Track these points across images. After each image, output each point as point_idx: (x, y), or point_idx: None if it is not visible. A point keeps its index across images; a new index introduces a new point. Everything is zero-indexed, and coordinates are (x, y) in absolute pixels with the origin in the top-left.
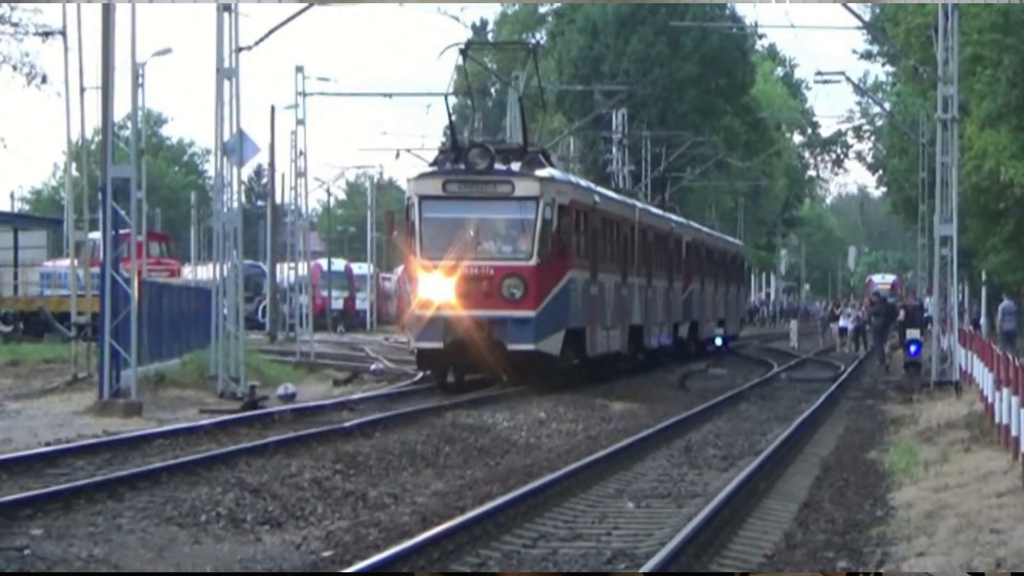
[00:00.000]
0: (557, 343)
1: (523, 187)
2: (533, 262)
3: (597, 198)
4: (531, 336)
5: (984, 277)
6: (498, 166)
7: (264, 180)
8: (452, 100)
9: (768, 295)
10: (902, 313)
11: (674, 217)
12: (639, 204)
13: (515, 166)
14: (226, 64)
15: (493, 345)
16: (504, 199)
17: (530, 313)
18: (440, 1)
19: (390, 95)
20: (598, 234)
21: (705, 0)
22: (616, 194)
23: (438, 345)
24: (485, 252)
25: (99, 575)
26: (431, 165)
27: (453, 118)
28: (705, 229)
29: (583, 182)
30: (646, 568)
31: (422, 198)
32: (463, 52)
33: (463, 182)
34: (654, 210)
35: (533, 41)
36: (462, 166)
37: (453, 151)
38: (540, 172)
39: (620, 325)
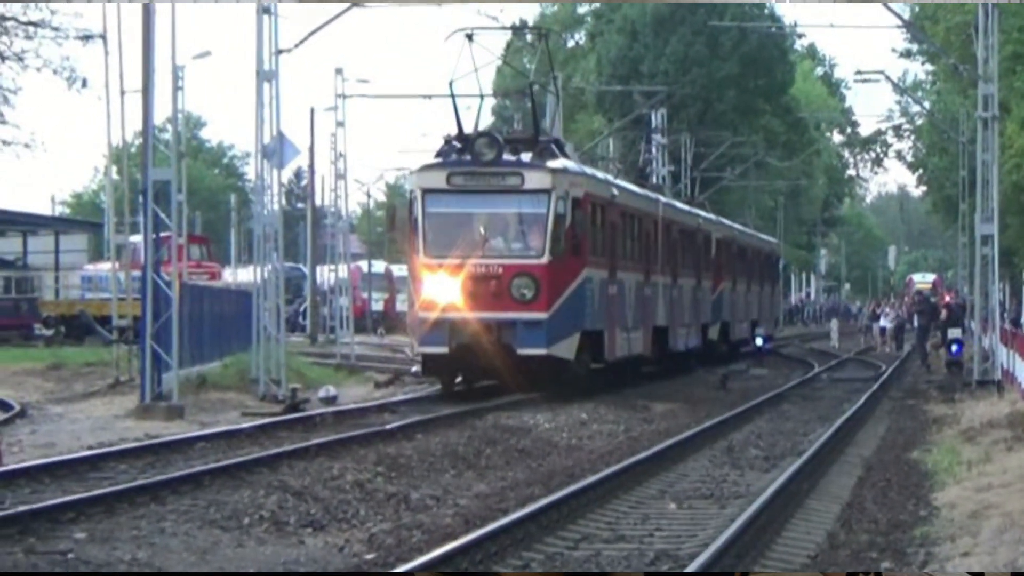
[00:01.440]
0: (571, 347)
1: (534, 179)
2: (545, 260)
3: (615, 191)
4: (543, 340)
5: None
6: (507, 157)
7: (304, 182)
8: (487, 101)
9: (808, 295)
10: (944, 312)
11: (702, 213)
12: (663, 198)
13: (525, 157)
14: (266, 66)
15: (502, 349)
16: (513, 192)
17: (542, 315)
18: (479, 1)
19: (430, 96)
20: (617, 229)
21: (744, 0)
22: (638, 187)
23: (443, 350)
24: (493, 250)
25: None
26: (436, 156)
27: (458, 108)
28: (737, 226)
29: (599, 174)
30: (690, 569)
31: (425, 192)
32: (469, 37)
33: (469, 174)
34: (680, 205)
35: (545, 29)
36: (468, 157)
37: (459, 141)
38: (552, 163)
39: (642, 327)
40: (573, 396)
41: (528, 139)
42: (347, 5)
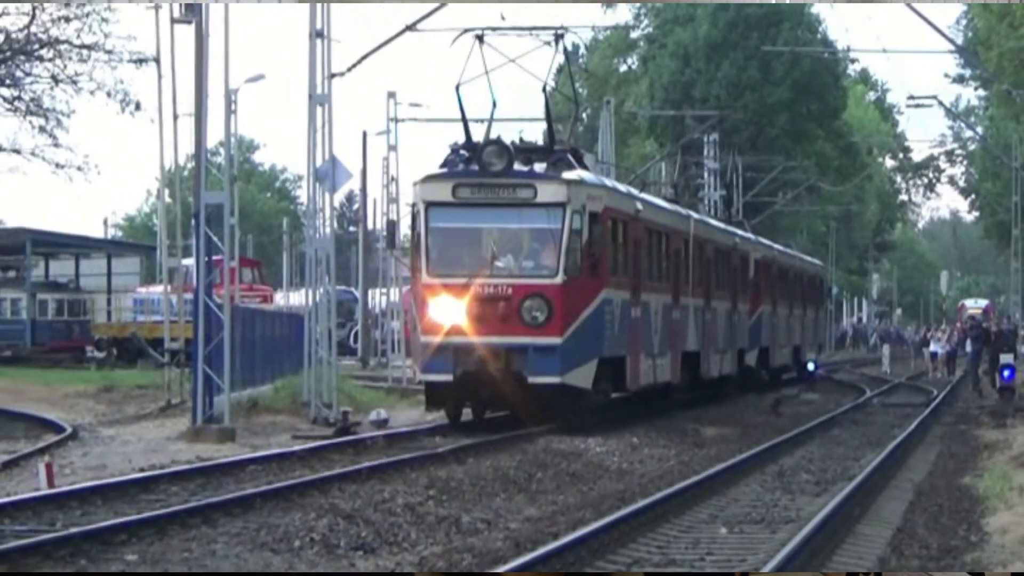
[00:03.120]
0: (588, 375)
1: (547, 192)
2: (559, 280)
3: (640, 205)
4: (556, 367)
5: None
6: (518, 167)
7: (356, 206)
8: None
9: (860, 319)
10: (992, 339)
11: (740, 232)
12: (695, 215)
13: (539, 167)
14: (319, 90)
15: (512, 377)
16: (525, 206)
17: (555, 340)
18: (539, 30)
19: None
20: (641, 247)
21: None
22: (667, 203)
23: (447, 377)
24: (502, 268)
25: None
26: (441, 166)
27: (466, 114)
28: (778, 246)
29: (622, 187)
30: None
31: (429, 205)
32: (479, 38)
33: (476, 186)
34: (714, 223)
35: (560, 27)
36: (475, 167)
37: (466, 150)
38: (568, 174)
39: (671, 352)
40: (623, 422)
41: (542, 148)
42: (400, 28)
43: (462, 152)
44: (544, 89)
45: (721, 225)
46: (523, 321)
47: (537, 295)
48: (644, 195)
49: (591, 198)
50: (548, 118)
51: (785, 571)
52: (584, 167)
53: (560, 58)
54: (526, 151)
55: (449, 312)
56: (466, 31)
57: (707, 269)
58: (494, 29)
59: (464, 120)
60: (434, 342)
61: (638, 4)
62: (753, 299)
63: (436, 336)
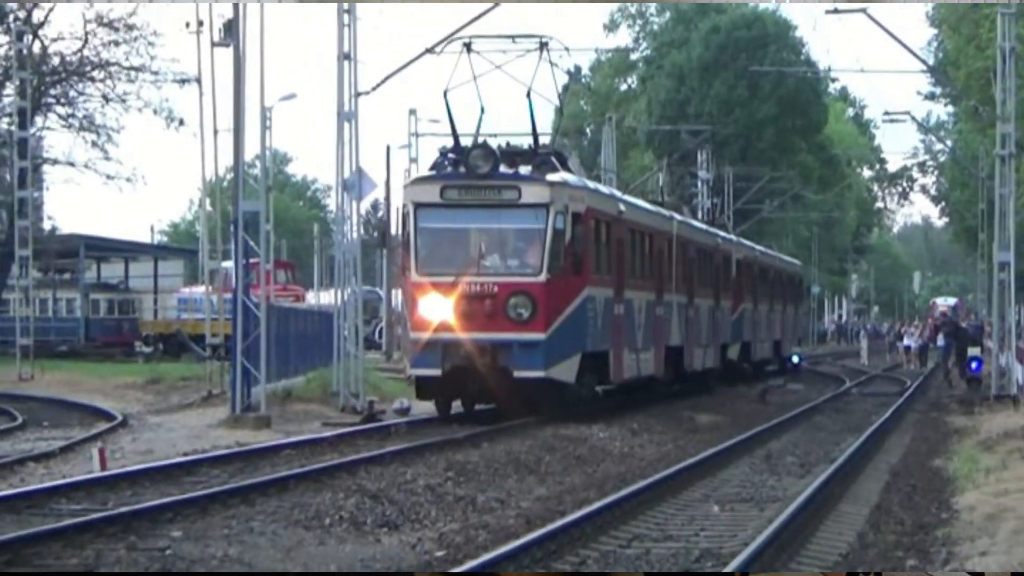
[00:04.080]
0: (571, 369)
1: (531, 193)
2: (543, 278)
3: (622, 207)
4: (540, 362)
5: None
6: (503, 170)
7: (380, 213)
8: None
9: (840, 316)
10: (961, 334)
11: (722, 233)
12: (678, 216)
13: (524, 170)
14: (346, 108)
15: (498, 372)
16: (510, 207)
17: (539, 336)
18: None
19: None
20: (625, 246)
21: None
22: (649, 203)
23: (436, 372)
24: (488, 267)
25: (232, 575)
26: (430, 169)
27: (454, 118)
28: (759, 247)
29: (604, 188)
30: (731, 567)
31: (417, 206)
32: (467, 46)
33: (463, 188)
34: (697, 224)
35: (544, 36)
36: (463, 170)
37: (454, 153)
38: (551, 176)
39: (654, 347)
40: (624, 410)
41: (527, 151)
42: (421, 51)
43: (450, 155)
44: (528, 95)
45: (704, 227)
46: (508, 318)
47: (522, 293)
48: (627, 197)
49: (573, 199)
50: (532, 123)
51: (771, 546)
52: (568, 170)
53: (544, 65)
54: (511, 154)
55: (437, 309)
56: (455, 38)
57: (690, 268)
58: (482, 37)
59: (452, 125)
60: (423, 338)
61: (638, 29)
62: (735, 296)
63: (425, 332)
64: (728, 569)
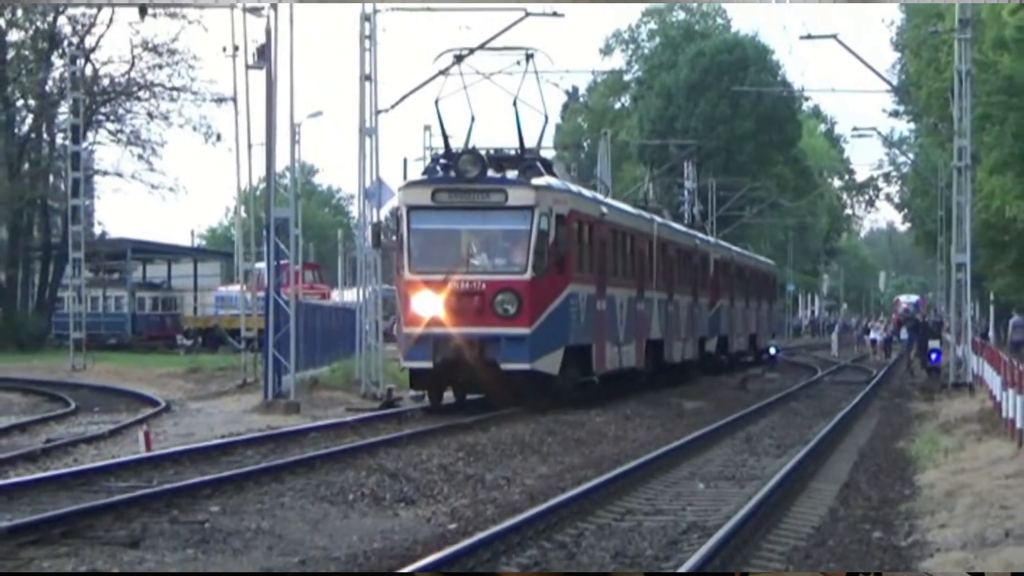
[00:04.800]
0: (555, 362)
1: (517, 196)
2: (528, 276)
3: (605, 209)
4: (526, 355)
5: (992, 297)
6: (491, 174)
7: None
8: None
9: (813, 312)
10: (922, 328)
11: (700, 235)
12: (658, 219)
13: (510, 174)
14: (367, 124)
15: (486, 364)
16: (497, 209)
17: (524, 330)
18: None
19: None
20: (607, 247)
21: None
22: (631, 207)
23: (427, 365)
24: (477, 266)
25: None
26: (423, 174)
27: (445, 127)
28: (735, 248)
29: (587, 192)
30: (719, 535)
31: (410, 208)
32: (458, 58)
33: (453, 191)
34: (676, 226)
35: (529, 49)
36: (453, 174)
37: (445, 158)
38: (536, 180)
39: (635, 340)
40: (620, 396)
41: (513, 157)
42: (434, 74)
43: (441, 161)
44: (515, 103)
45: (683, 229)
46: (496, 313)
47: (508, 290)
48: (609, 200)
49: (557, 202)
50: (519, 130)
51: (751, 520)
52: (553, 174)
53: (531, 76)
54: (499, 160)
55: (429, 305)
56: (447, 52)
57: (670, 267)
58: (472, 50)
59: (443, 132)
60: (415, 332)
61: (630, 53)
62: (712, 293)
63: (417, 327)
64: (713, 541)
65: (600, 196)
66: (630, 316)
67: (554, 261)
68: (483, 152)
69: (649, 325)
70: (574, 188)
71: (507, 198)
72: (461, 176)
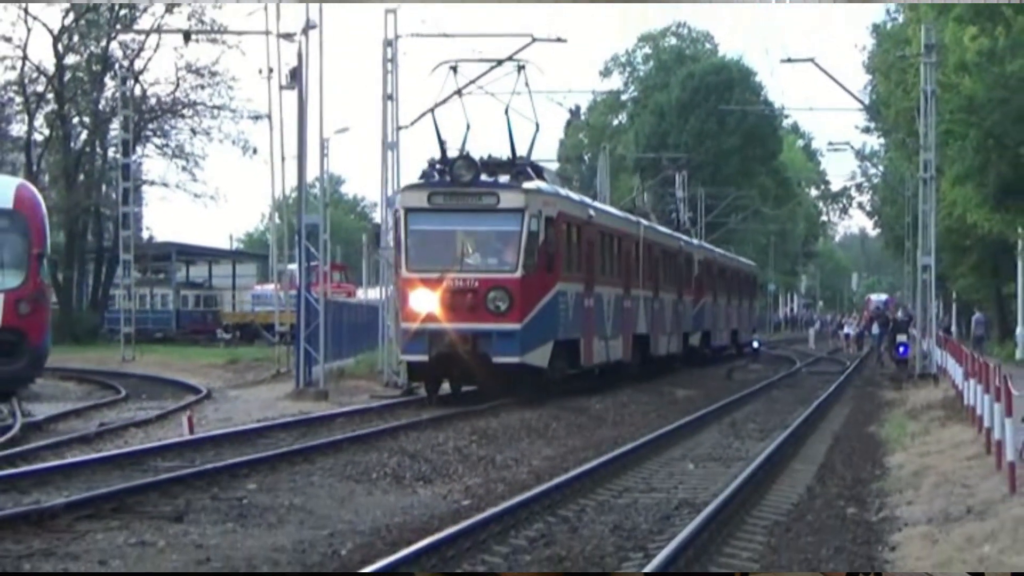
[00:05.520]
0: (545, 355)
1: (508, 199)
2: (518, 274)
3: (592, 212)
4: (516, 349)
5: (954, 296)
6: (484, 178)
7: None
8: (556, 165)
9: (792, 309)
10: (891, 324)
11: (685, 237)
12: (644, 222)
13: (502, 178)
14: (389, 139)
15: (479, 358)
16: (489, 211)
17: (515, 326)
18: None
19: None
20: (594, 247)
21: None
22: (618, 211)
23: (424, 358)
24: (470, 265)
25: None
26: (420, 178)
27: (441, 134)
28: (718, 250)
29: (576, 196)
30: (708, 511)
31: (408, 210)
32: (453, 69)
33: (448, 194)
34: (661, 229)
35: (521, 60)
36: (448, 179)
37: (441, 164)
38: (526, 184)
39: (622, 335)
40: (618, 384)
41: (505, 162)
42: (449, 94)
43: (438, 166)
44: (506, 111)
45: (668, 232)
46: (488, 310)
47: (500, 287)
48: (597, 203)
49: (546, 204)
50: (511, 137)
51: (737, 497)
52: (543, 179)
53: (521, 85)
54: (491, 165)
55: (425, 302)
56: (443, 63)
57: (656, 267)
58: (467, 61)
59: (439, 138)
60: (412, 327)
61: (627, 75)
62: (696, 292)
63: (414, 322)
64: (702, 516)
65: (588, 200)
66: (617, 312)
67: (543, 260)
68: (477, 158)
69: (635, 321)
70: (562, 192)
71: (499, 201)
72: (456, 180)
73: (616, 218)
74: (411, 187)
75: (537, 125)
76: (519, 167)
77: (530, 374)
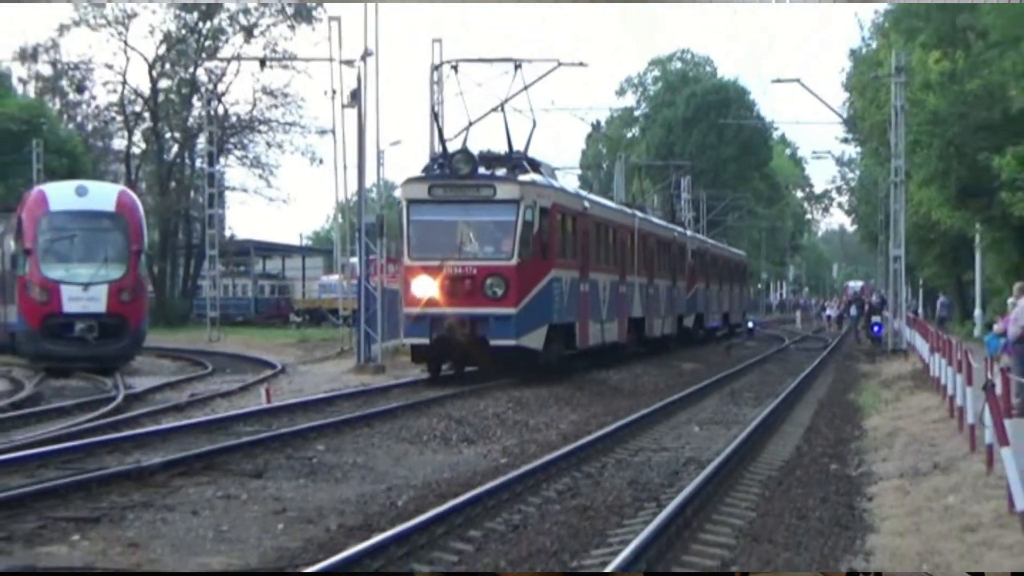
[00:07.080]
0: (539, 338)
1: (504, 190)
2: (514, 262)
3: (587, 204)
4: (512, 332)
5: (921, 283)
6: (482, 171)
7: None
8: (576, 172)
9: (781, 295)
10: (867, 307)
11: (678, 228)
12: (639, 214)
13: (499, 171)
14: (436, 149)
15: (477, 341)
16: (486, 202)
17: (511, 310)
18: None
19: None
20: (590, 237)
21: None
22: (613, 203)
23: (425, 341)
24: (468, 252)
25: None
26: (422, 171)
27: (443, 130)
28: (710, 240)
29: (570, 188)
30: (711, 467)
31: (410, 202)
32: (455, 68)
33: (448, 186)
34: (656, 220)
35: (518, 59)
36: (447, 171)
37: (442, 157)
38: (522, 177)
39: (618, 318)
40: (632, 358)
41: (502, 156)
42: (495, 106)
43: (439, 160)
44: (502, 109)
45: (663, 223)
46: (485, 295)
47: (496, 274)
48: (592, 196)
49: (541, 196)
50: (507, 131)
51: (736, 455)
52: (539, 172)
53: (518, 84)
54: (489, 158)
55: (426, 288)
56: (445, 63)
57: (650, 255)
58: (466, 61)
59: (440, 134)
60: (414, 312)
61: (639, 94)
62: (690, 278)
63: (416, 307)
64: (707, 471)
65: (584, 192)
66: (613, 297)
67: (538, 248)
68: (475, 152)
69: (631, 305)
70: (557, 184)
71: (495, 192)
72: (455, 173)
73: (611, 210)
74: (412, 179)
75: (534, 122)
76: (515, 160)
77: (526, 356)
